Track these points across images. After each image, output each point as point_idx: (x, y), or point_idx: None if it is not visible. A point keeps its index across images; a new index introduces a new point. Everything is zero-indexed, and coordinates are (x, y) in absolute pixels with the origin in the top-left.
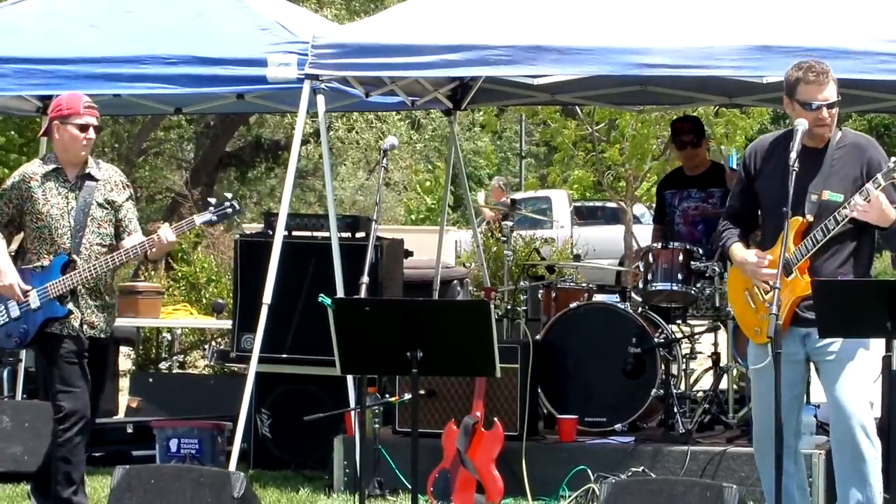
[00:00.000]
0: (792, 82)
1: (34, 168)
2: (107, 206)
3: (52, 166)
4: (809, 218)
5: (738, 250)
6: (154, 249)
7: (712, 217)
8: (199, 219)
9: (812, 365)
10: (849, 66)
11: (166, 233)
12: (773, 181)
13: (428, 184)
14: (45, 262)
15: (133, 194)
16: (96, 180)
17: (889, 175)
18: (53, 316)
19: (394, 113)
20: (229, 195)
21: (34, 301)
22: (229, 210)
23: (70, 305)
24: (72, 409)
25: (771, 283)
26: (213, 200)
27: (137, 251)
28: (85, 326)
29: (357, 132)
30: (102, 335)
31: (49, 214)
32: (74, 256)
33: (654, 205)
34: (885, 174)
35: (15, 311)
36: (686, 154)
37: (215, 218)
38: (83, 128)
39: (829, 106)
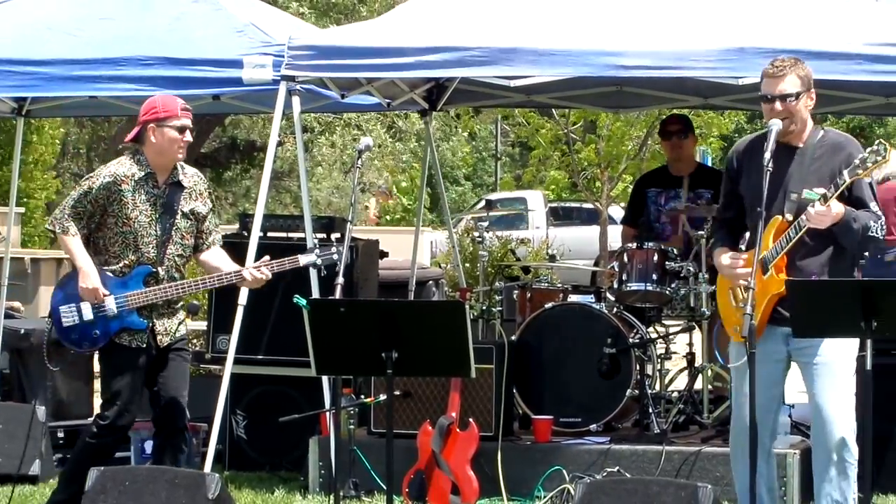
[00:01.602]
0: (760, 77)
1: (125, 170)
2: (191, 216)
3: (145, 170)
4: (789, 217)
5: (718, 254)
6: (248, 280)
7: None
8: (303, 259)
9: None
10: (825, 67)
11: (263, 271)
12: (754, 183)
13: (404, 184)
14: (126, 269)
15: (214, 203)
16: (183, 188)
17: (853, 171)
18: (130, 327)
19: (377, 124)
20: (334, 239)
21: (111, 308)
22: (335, 256)
23: (149, 319)
24: (115, 423)
25: (746, 282)
26: (315, 241)
27: (232, 279)
28: (159, 337)
29: (340, 142)
30: (178, 334)
31: (137, 221)
32: (158, 268)
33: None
34: (849, 171)
35: (88, 314)
36: (671, 145)
37: (320, 262)
38: (181, 130)
39: (783, 98)
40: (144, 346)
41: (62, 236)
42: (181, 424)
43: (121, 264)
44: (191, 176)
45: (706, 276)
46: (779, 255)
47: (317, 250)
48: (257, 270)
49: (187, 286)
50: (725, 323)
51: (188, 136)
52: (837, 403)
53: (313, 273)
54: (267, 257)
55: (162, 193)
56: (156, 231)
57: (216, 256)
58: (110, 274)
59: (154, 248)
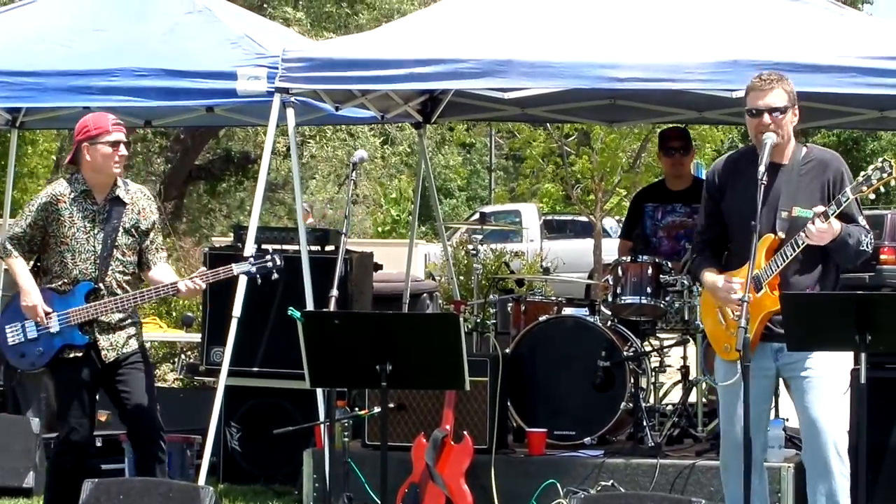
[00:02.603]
0: (746, 92)
1: (62, 189)
2: (133, 232)
3: (80, 189)
4: (781, 234)
5: (709, 275)
6: (183, 291)
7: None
8: (237, 268)
9: (781, 380)
10: (818, 80)
11: (197, 281)
12: (740, 198)
13: (393, 196)
14: (68, 286)
15: (159, 218)
16: (124, 204)
17: (857, 189)
18: (72, 343)
19: (366, 129)
20: (269, 248)
21: (54, 325)
22: (269, 264)
23: (90, 334)
24: (68, 438)
25: (740, 298)
26: (252, 250)
27: (169, 291)
28: (104, 352)
29: (329, 146)
30: (127, 349)
31: (75, 238)
32: (100, 284)
33: (622, 218)
34: (853, 188)
35: (32, 332)
36: (673, 161)
37: (254, 270)
38: (114, 145)
39: (771, 111)
40: (82, 356)
41: (5, 259)
42: (154, 434)
43: (62, 282)
44: (133, 192)
45: (700, 289)
46: (774, 273)
47: (251, 258)
48: (191, 281)
49: (127, 300)
50: (713, 341)
51: (123, 150)
52: (829, 415)
53: (308, 285)
54: (203, 268)
55: (101, 210)
56: (94, 248)
57: (161, 273)
58: (55, 291)
59: (93, 264)
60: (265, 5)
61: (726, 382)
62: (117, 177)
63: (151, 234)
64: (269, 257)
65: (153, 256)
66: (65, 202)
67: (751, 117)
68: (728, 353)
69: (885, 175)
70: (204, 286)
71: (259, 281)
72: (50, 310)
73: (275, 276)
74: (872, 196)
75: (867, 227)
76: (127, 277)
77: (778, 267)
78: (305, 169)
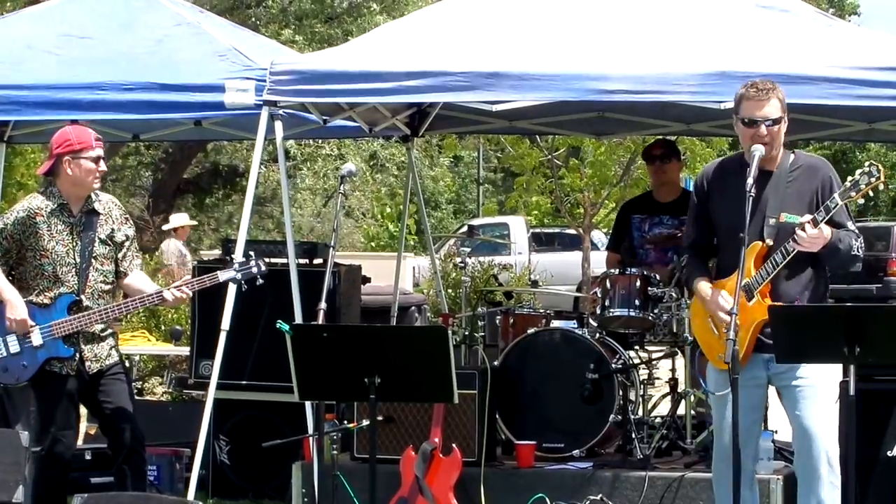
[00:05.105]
0: (737, 100)
1: (38, 203)
2: (109, 242)
3: (57, 202)
4: (769, 242)
5: (702, 286)
6: (170, 300)
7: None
8: (222, 275)
9: (773, 389)
10: (807, 91)
11: (183, 289)
12: (728, 207)
13: (389, 210)
14: (48, 299)
15: (133, 228)
16: (98, 215)
17: (846, 194)
18: (57, 356)
19: (351, 148)
20: (252, 253)
21: (36, 338)
22: (254, 269)
23: (76, 346)
24: (53, 451)
25: (729, 310)
26: (235, 257)
27: (154, 300)
28: (87, 363)
29: (320, 159)
30: (109, 360)
31: (54, 251)
32: (81, 296)
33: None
34: (841, 194)
35: (15, 347)
36: (654, 169)
37: (239, 276)
38: (96, 160)
39: (769, 123)
40: (74, 373)
41: None
42: (136, 445)
43: (43, 296)
44: (105, 202)
45: (689, 301)
46: (765, 282)
47: (236, 265)
48: (178, 290)
49: (111, 311)
50: (707, 350)
51: (103, 166)
52: (821, 424)
53: (296, 298)
54: (187, 276)
55: (78, 222)
56: (74, 259)
57: (138, 280)
58: (35, 305)
59: (74, 275)
60: (256, 21)
61: (720, 393)
62: (93, 191)
63: (127, 244)
64: (253, 263)
65: (129, 265)
66: (42, 216)
67: (745, 126)
68: (722, 361)
69: (872, 179)
70: (190, 294)
71: (244, 287)
72: (33, 323)
73: (259, 281)
74: (861, 201)
75: (857, 231)
76: (107, 287)
77: (768, 275)
78: (294, 184)
